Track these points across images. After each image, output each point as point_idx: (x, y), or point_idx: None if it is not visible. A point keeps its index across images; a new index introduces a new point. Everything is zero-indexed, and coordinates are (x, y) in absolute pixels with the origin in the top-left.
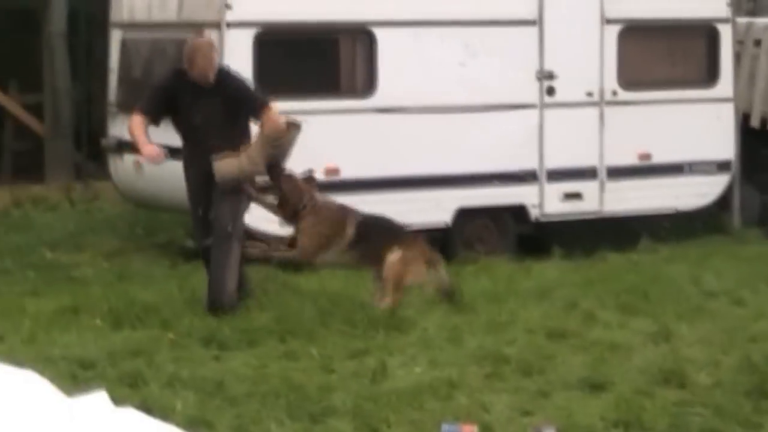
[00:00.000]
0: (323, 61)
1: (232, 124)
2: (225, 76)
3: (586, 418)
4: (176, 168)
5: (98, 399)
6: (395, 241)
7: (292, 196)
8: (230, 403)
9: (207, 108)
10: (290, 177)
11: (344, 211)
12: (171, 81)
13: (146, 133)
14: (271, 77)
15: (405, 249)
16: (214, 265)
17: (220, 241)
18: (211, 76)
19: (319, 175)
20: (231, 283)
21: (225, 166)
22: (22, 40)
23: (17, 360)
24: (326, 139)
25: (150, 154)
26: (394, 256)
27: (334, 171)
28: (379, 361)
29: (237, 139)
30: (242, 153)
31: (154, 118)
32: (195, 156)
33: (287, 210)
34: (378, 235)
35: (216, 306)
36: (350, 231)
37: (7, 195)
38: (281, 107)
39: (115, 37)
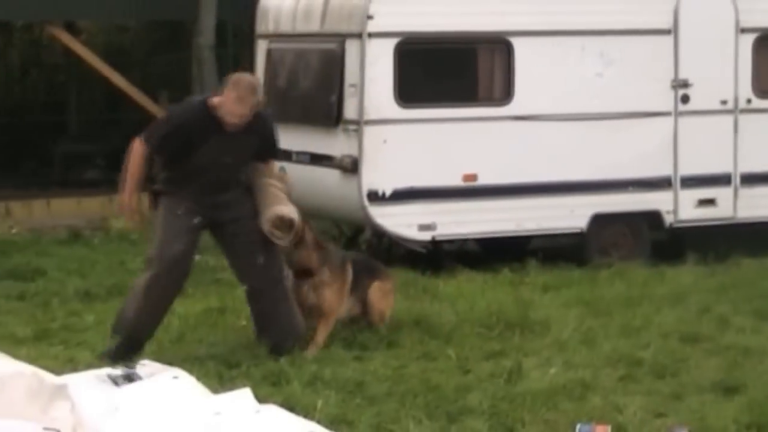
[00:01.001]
0: (462, 70)
1: (241, 168)
2: (263, 119)
3: (718, 421)
4: (321, 174)
5: (243, 396)
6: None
7: (308, 257)
8: (370, 402)
9: (227, 149)
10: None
11: (341, 256)
12: (195, 116)
13: (141, 177)
14: (410, 86)
15: (382, 281)
16: (281, 311)
17: (275, 286)
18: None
19: (457, 182)
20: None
21: (288, 212)
22: (173, 53)
23: (167, 359)
24: (464, 146)
25: (127, 209)
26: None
27: (472, 177)
28: (515, 362)
29: (241, 183)
30: (285, 200)
31: (159, 156)
32: (201, 201)
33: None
34: (362, 271)
35: (290, 347)
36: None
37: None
38: (421, 115)
39: (261, 48)
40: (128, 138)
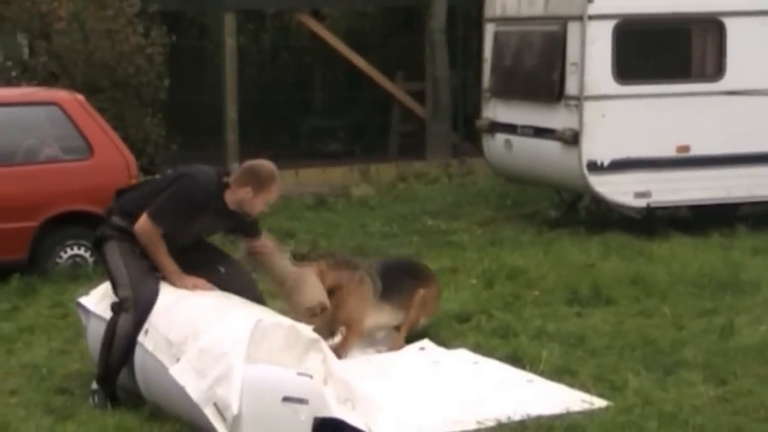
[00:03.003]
0: (675, 49)
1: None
2: None
3: None
4: (544, 146)
5: (462, 353)
6: (418, 279)
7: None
8: (591, 355)
9: (214, 225)
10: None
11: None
12: (210, 197)
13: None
14: (627, 64)
15: (427, 288)
16: None
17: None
18: None
19: (671, 152)
20: None
21: (320, 297)
22: (407, 36)
23: None
24: (677, 119)
25: (196, 286)
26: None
27: (685, 149)
28: (727, 319)
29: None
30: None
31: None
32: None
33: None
34: (407, 277)
35: None
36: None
37: (393, 171)
38: (637, 91)
39: (489, 31)
40: (368, 113)
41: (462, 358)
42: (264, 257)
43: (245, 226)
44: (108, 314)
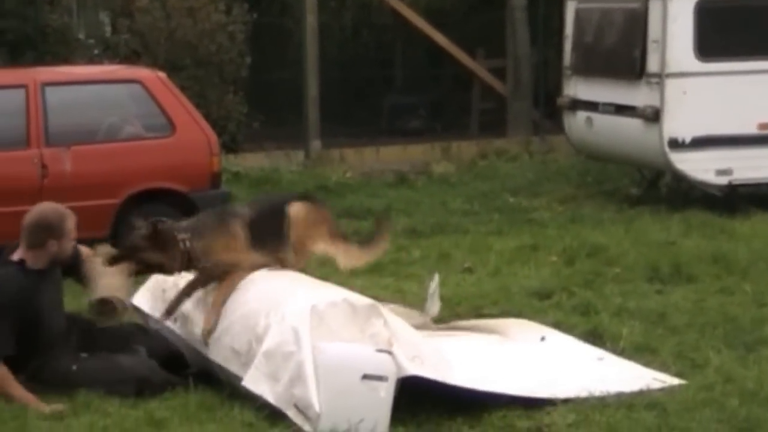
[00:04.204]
0: (757, 27)
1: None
2: None
3: None
4: (625, 124)
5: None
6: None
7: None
8: (672, 332)
9: (57, 286)
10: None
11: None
12: (18, 288)
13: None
14: (708, 41)
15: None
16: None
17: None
18: None
19: (753, 130)
20: None
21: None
22: (488, 13)
23: (484, 290)
24: (760, 96)
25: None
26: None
27: (767, 126)
28: None
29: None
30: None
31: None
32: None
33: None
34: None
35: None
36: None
37: (474, 148)
38: (719, 68)
39: (570, 8)
40: (448, 90)
41: (529, 333)
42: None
43: (69, 263)
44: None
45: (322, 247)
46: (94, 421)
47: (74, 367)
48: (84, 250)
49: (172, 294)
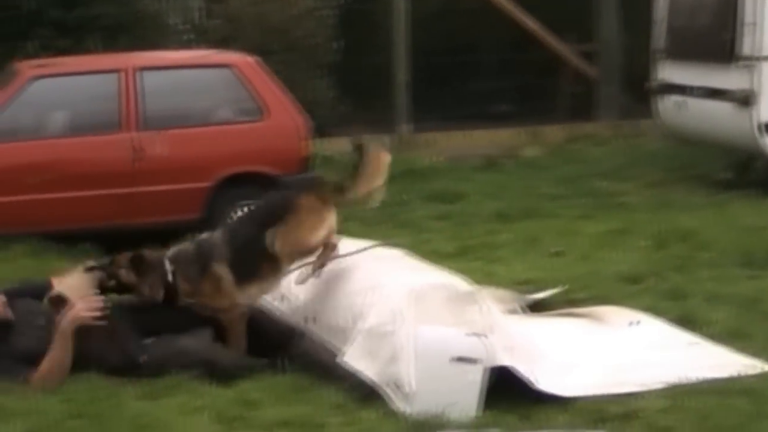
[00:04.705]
0: None
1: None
2: None
3: None
4: (716, 107)
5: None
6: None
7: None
8: (765, 318)
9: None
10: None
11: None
12: None
13: None
14: None
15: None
16: None
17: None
18: None
19: None
20: None
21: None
22: None
23: (573, 274)
24: None
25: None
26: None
27: None
28: None
29: None
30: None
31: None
32: None
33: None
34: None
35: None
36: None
37: (563, 132)
38: None
39: None
40: (537, 75)
41: (620, 318)
42: None
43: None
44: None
45: (314, 240)
46: (186, 401)
47: (142, 359)
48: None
49: None
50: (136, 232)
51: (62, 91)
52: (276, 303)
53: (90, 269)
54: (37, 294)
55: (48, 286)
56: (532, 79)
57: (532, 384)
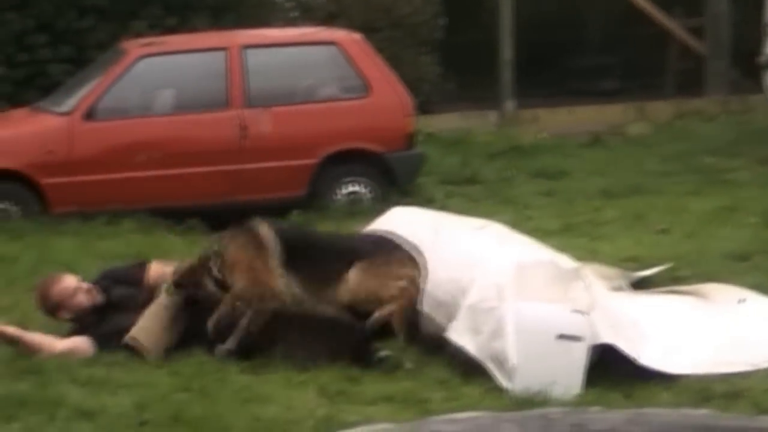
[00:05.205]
0: None
1: None
2: None
3: None
4: None
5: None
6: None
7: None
8: None
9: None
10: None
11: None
12: None
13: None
14: None
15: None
16: None
17: None
18: None
19: None
20: None
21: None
22: None
23: (679, 251)
24: None
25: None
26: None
27: None
28: None
29: None
30: None
31: None
32: None
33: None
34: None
35: None
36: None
37: (670, 108)
38: None
39: None
40: (644, 50)
41: (728, 296)
42: None
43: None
44: None
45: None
46: (289, 375)
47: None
48: (164, 273)
49: None
50: (242, 209)
51: (169, 70)
52: None
53: (178, 286)
54: (131, 278)
55: (143, 269)
56: (639, 54)
57: (635, 360)
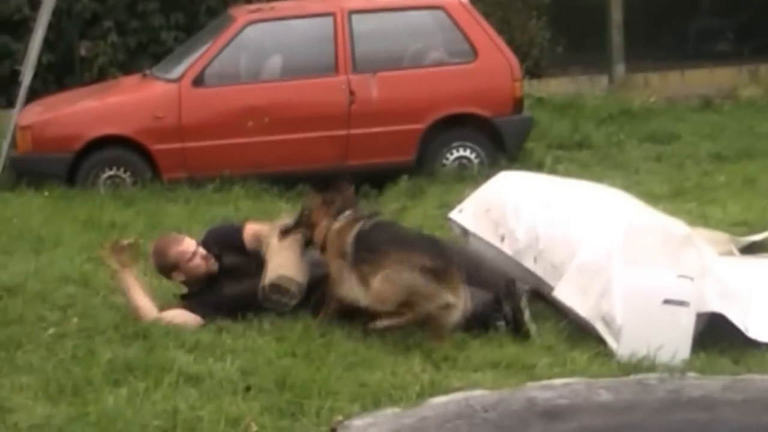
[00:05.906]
0: None
1: None
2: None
3: None
4: None
5: None
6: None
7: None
8: None
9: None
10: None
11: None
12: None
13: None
14: None
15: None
16: None
17: None
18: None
19: None
20: None
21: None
22: None
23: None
24: None
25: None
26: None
27: None
28: None
29: None
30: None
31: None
32: None
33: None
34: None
35: None
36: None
37: None
38: None
39: None
40: (758, 13)
41: None
42: None
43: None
44: (485, 233)
45: None
46: (395, 340)
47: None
48: (259, 229)
49: (496, 214)
50: (351, 174)
51: (276, 36)
52: (497, 244)
53: (285, 232)
54: (231, 240)
55: (241, 230)
56: (752, 17)
57: (744, 332)
